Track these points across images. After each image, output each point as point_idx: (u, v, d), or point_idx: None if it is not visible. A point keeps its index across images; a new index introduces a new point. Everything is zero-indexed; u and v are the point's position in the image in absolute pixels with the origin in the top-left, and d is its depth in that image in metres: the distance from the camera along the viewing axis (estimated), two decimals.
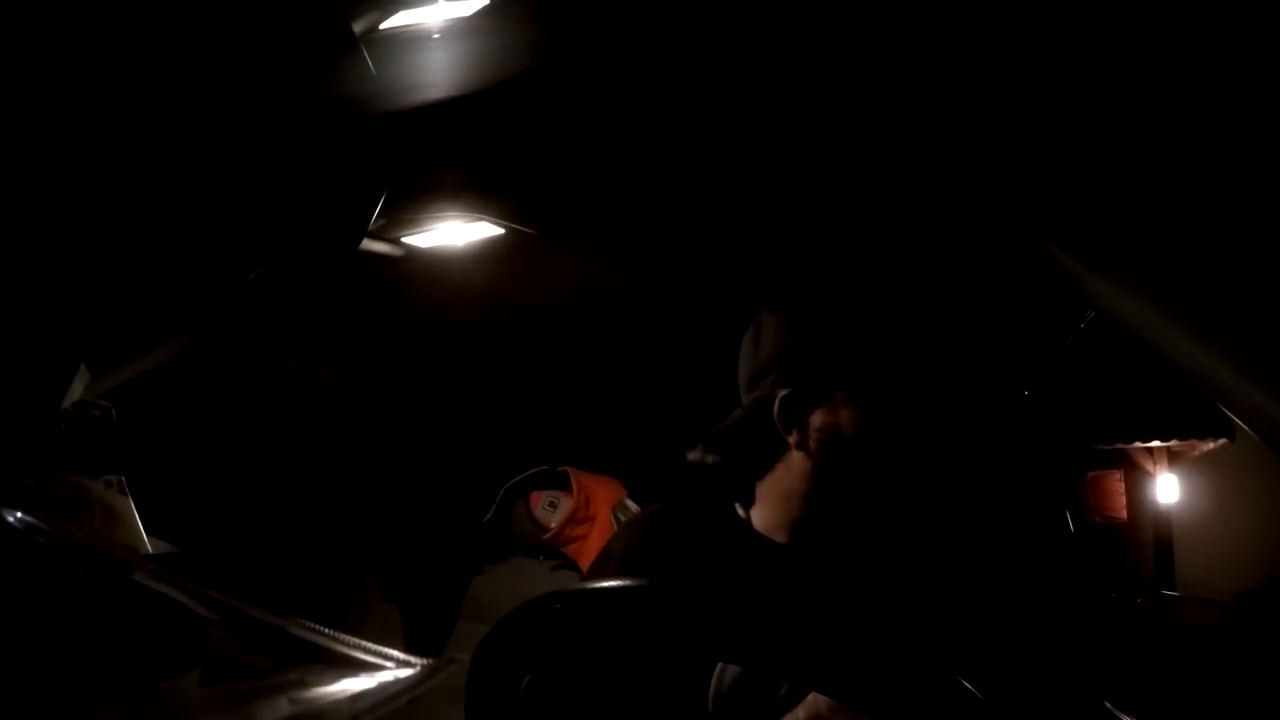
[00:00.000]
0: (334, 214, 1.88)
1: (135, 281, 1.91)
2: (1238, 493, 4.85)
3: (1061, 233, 1.48)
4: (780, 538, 1.11)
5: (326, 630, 1.51)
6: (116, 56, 1.36)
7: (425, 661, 1.61)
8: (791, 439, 1.10)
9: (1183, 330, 1.25)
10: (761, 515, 1.14)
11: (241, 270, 1.99)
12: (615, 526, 2.57)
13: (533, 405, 3.01)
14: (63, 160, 1.55)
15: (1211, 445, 4.88)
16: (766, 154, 1.83)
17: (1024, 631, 1.05)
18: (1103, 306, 1.40)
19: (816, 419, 1.09)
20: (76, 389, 1.82)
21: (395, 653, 1.62)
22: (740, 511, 1.15)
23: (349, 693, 1.44)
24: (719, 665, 0.95)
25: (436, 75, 1.57)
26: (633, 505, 2.63)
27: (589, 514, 2.67)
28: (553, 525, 2.66)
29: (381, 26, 1.38)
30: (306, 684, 1.41)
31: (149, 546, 1.70)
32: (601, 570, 1.21)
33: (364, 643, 1.56)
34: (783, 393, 1.10)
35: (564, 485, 2.73)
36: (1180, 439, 4.96)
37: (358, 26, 1.37)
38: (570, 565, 2.70)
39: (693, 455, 1.20)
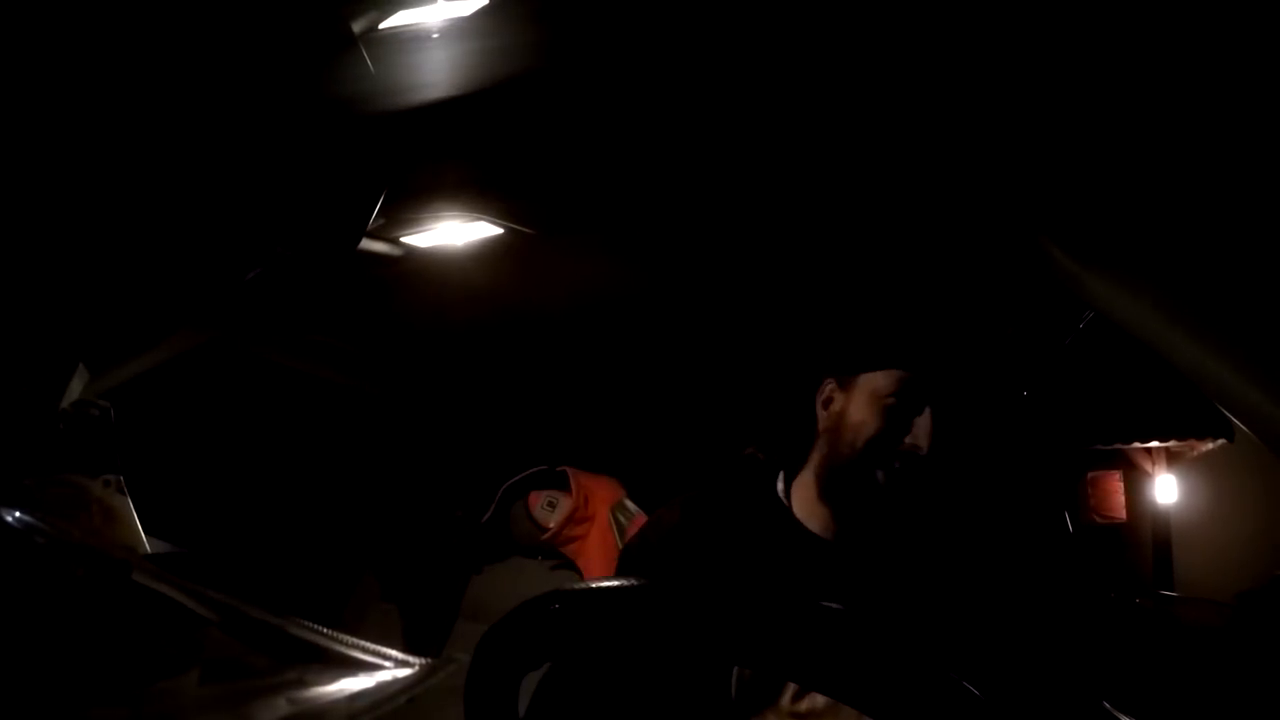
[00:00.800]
0: (333, 214, 1.88)
1: (134, 281, 1.91)
2: (1236, 493, 4.86)
3: (1060, 233, 1.48)
4: (812, 525, 1.15)
5: (325, 630, 1.51)
6: (116, 56, 1.36)
7: (424, 661, 1.61)
8: (820, 424, 1.18)
9: (1181, 331, 1.25)
10: (798, 500, 1.20)
11: (240, 270, 1.99)
12: (614, 527, 2.57)
13: (531, 405, 3.00)
14: (62, 160, 1.55)
15: (1210, 446, 4.90)
16: (766, 154, 1.83)
17: (1023, 631, 1.06)
18: (1101, 307, 1.40)
19: (825, 403, 1.17)
20: (75, 388, 1.83)
21: (394, 652, 1.62)
22: (783, 497, 1.19)
23: (347, 692, 1.44)
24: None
25: (436, 75, 1.57)
26: (631, 505, 2.63)
27: (588, 514, 2.67)
28: (551, 525, 2.65)
29: (380, 26, 1.38)
30: (305, 684, 1.41)
31: (147, 546, 1.70)
32: (638, 553, 1.24)
33: (362, 642, 1.56)
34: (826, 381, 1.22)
35: (563, 485, 2.73)
36: (1179, 440, 4.97)
37: (357, 26, 1.37)
38: (569, 565, 2.70)
39: (753, 451, 1.26)
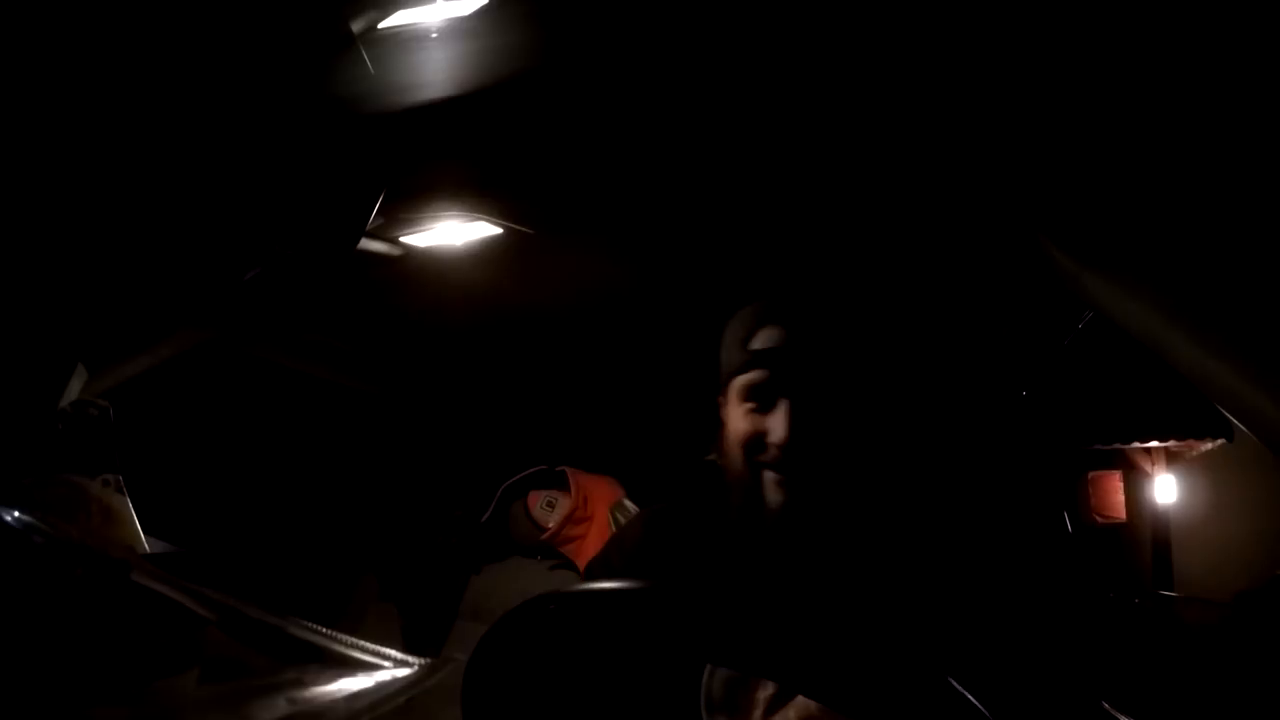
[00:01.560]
0: (332, 213, 1.87)
1: (133, 280, 1.91)
2: (1235, 493, 4.85)
3: (1059, 233, 1.48)
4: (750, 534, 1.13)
5: (324, 630, 1.51)
6: (114, 55, 1.36)
7: (423, 661, 1.61)
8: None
9: (1180, 331, 1.25)
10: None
11: (240, 269, 1.98)
12: (613, 526, 2.57)
13: (530, 405, 3.00)
14: (60, 159, 1.55)
15: (1209, 446, 4.89)
16: (765, 153, 1.83)
17: (1022, 631, 1.05)
18: (1100, 306, 1.40)
19: (721, 416, 1.20)
20: (74, 388, 1.82)
21: (393, 652, 1.62)
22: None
23: (346, 692, 1.44)
24: (708, 667, 0.96)
25: (435, 75, 1.57)
26: (631, 505, 2.63)
27: (587, 514, 2.67)
28: (550, 525, 2.65)
29: (380, 26, 1.38)
30: (304, 683, 1.42)
31: (146, 546, 1.70)
32: (601, 571, 1.23)
33: (362, 642, 1.56)
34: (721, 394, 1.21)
35: (562, 485, 2.73)
36: (1178, 439, 4.96)
37: (356, 26, 1.37)
38: (568, 565, 2.70)
39: (711, 456, 1.25)
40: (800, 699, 0.90)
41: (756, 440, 1.13)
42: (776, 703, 0.93)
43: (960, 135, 1.61)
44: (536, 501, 2.74)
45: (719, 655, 0.82)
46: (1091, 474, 5.18)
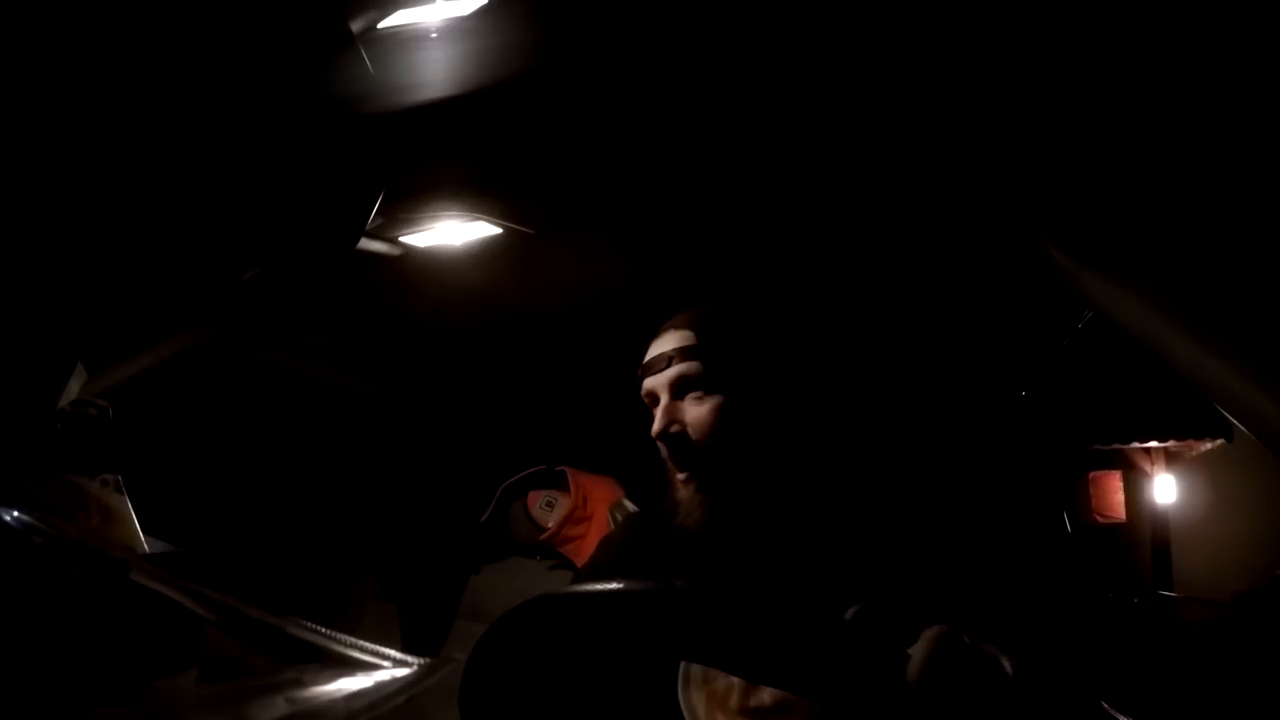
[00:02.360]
0: (331, 213, 1.87)
1: (132, 280, 1.91)
2: (1235, 493, 4.85)
3: (1058, 232, 1.48)
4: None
5: (323, 630, 1.51)
6: (114, 54, 1.36)
7: (422, 661, 1.61)
8: None
9: (1179, 330, 1.25)
10: None
11: (239, 269, 1.98)
12: (613, 526, 2.57)
13: (530, 405, 3.00)
14: (59, 158, 1.55)
15: (1209, 446, 4.89)
16: (764, 154, 1.83)
17: (1021, 631, 1.05)
18: (1099, 306, 1.40)
19: None
20: (73, 388, 1.82)
21: (392, 652, 1.62)
22: None
23: (346, 692, 1.43)
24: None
25: (435, 74, 1.57)
26: (630, 505, 2.62)
27: (586, 514, 2.67)
28: (550, 525, 2.65)
29: (379, 25, 1.38)
30: (303, 683, 1.41)
31: (146, 546, 1.70)
32: (589, 574, 1.25)
33: (361, 642, 1.56)
34: None
35: (561, 485, 2.73)
36: (1178, 440, 4.97)
37: (355, 25, 1.37)
38: (568, 565, 2.70)
39: None
40: (757, 692, 0.92)
41: (655, 440, 1.24)
42: (745, 697, 0.93)
43: (959, 135, 1.61)
44: (536, 501, 2.74)
45: (709, 658, 0.83)
46: (1092, 474, 5.18)
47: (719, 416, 1.16)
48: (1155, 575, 5.11)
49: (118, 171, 1.62)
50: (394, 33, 1.40)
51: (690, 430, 1.16)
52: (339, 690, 1.42)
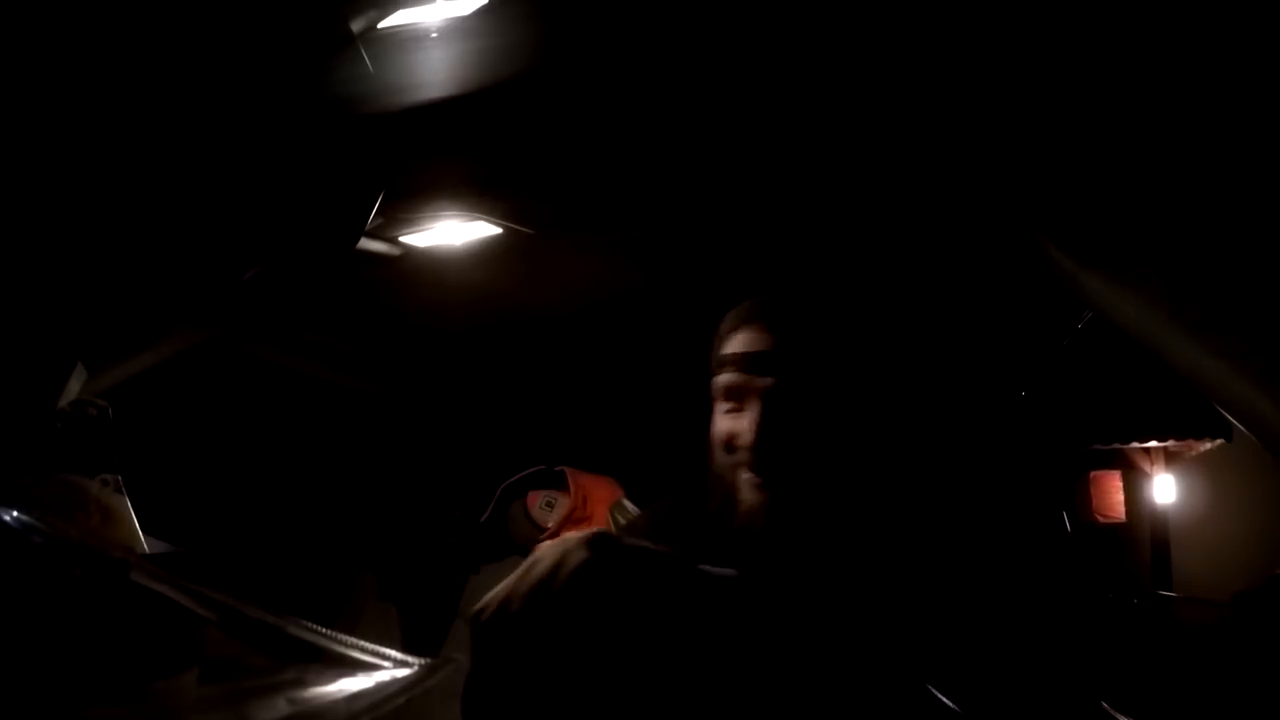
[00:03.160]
0: (331, 213, 1.87)
1: (132, 279, 1.91)
2: (1234, 493, 4.86)
3: (1058, 232, 1.48)
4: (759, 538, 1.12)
5: (324, 630, 1.50)
6: (115, 55, 1.36)
7: (423, 661, 1.61)
8: None
9: (1178, 330, 1.25)
10: None
11: (239, 269, 1.98)
12: (613, 527, 2.56)
13: (530, 405, 3.00)
14: (61, 158, 1.54)
15: (1208, 446, 4.90)
16: (765, 154, 1.83)
17: (1021, 631, 1.05)
18: (1099, 306, 1.41)
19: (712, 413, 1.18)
20: (73, 387, 1.82)
21: (393, 652, 1.62)
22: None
23: (347, 692, 1.43)
24: None
25: (435, 74, 1.57)
26: (630, 505, 2.62)
27: (586, 514, 2.66)
28: (550, 525, 2.65)
29: (379, 25, 1.38)
30: (304, 683, 1.41)
31: (146, 546, 1.70)
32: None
33: (361, 642, 1.55)
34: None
35: (561, 485, 2.72)
36: (1177, 440, 4.98)
37: (356, 25, 1.37)
38: None
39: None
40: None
41: (730, 442, 1.13)
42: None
43: (960, 136, 1.62)
44: (536, 501, 2.73)
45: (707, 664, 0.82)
46: (1092, 474, 5.19)
47: (806, 419, 1.12)
48: (1155, 575, 5.11)
49: (118, 171, 1.62)
50: (394, 33, 1.40)
51: (778, 434, 1.10)
52: (340, 690, 1.41)
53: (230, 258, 1.96)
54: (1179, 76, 1.31)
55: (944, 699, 0.72)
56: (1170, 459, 5.19)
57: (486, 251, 2.21)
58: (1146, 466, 5.24)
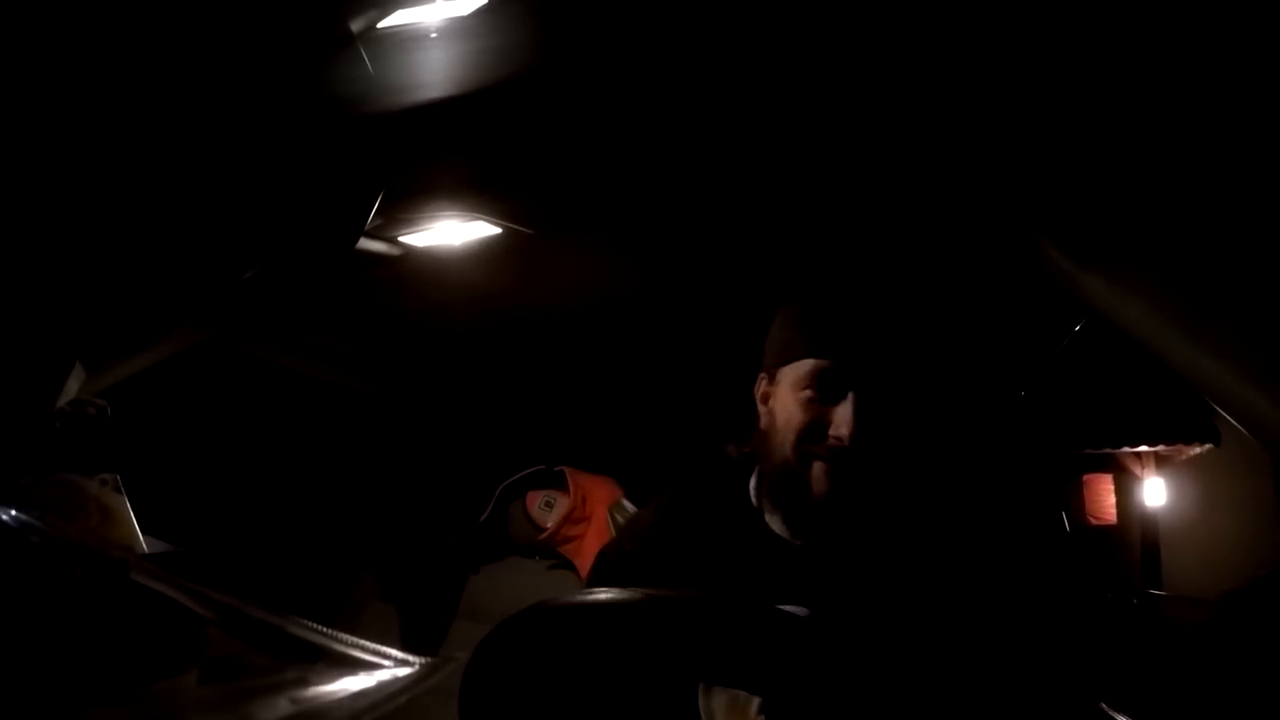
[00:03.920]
0: (331, 213, 1.87)
1: (132, 279, 1.90)
2: (1223, 496, 4.90)
3: (1057, 233, 1.48)
4: (776, 527, 1.11)
5: (325, 629, 1.50)
6: (112, 52, 1.36)
7: (423, 660, 1.61)
8: (760, 421, 1.15)
9: (1179, 331, 1.26)
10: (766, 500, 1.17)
11: (238, 269, 1.98)
12: (612, 527, 2.56)
13: (530, 405, 3.00)
14: (59, 157, 1.54)
15: (1198, 450, 4.95)
16: (764, 154, 1.83)
17: (1021, 632, 1.05)
18: (1099, 307, 1.41)
19: (762, 399, 1.15)
20: (72, 387, 1.81)
21: (393, 651, 1.62)
22: (754, 498, 1.16)
23: (348, 692, 1.43)
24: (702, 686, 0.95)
25: (434, 74, 1.56)
26: (629, 505, 2.63)
27: (585, 514, 2.67)
28: (549, 525, 2.65)
29: (379, 25, 1.38)
30: (306, 683, 1.41)
31: (145, 545, 1.69)
32: (613, 558, 1.22)
33: (362, 641, 1.55)
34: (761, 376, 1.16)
35: (560, 485, 2.73)
36: (1168, 444, 5.01)
37: (355, 25, 1.37)
38: (566, 565, 2.69)
39: (731, 448, 1.23)
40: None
41: (814, 429, 1.09)
42: None
43: (958, 135, 1.62)
44: (535, 501, 2.73)
45: (715, 671, 0.81)
46: (1086, 476, 5.22)
47: (895, 416, 1.09)
48: (1145, 576, 5.15)
49: (116, 170, 1.62)
50: (393, 32, 1.40)
51: (875, 429, 1.08)
52: (342, 690, 1.41)
53: (229, 258, 1.95)
54: (1179, 76, 1.31)
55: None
56: (1161, 463, 5.22)
57: (486, 251, 2.20)
58: (1137, 470, 5.27)
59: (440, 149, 1.82)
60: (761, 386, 1.18)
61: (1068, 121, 1.47)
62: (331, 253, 1.97)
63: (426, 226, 2.09)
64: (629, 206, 2.10)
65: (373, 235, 2.06)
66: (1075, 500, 5.19)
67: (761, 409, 1.18)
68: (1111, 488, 5.24)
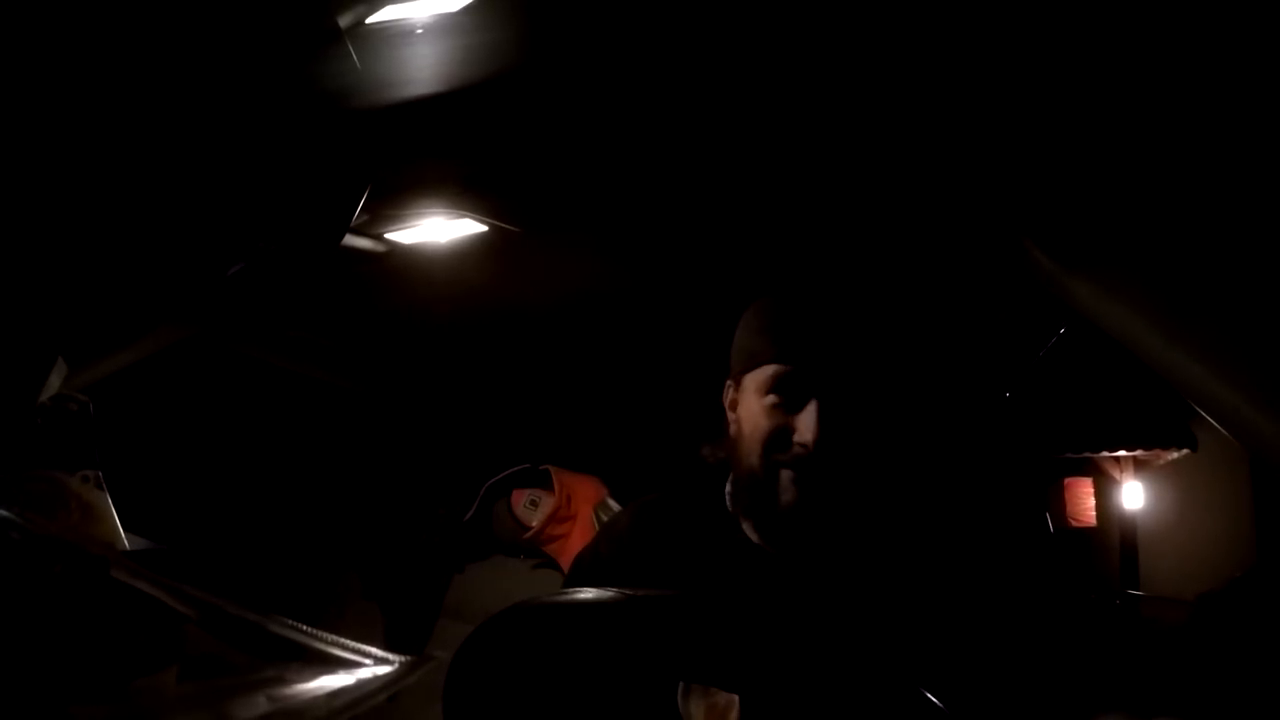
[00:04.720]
0: (317, 209, 1.86)
1: (115, 275, 1.89)
2: (1198, 499, 4.99)
3: (1043, 236, 1.49)
4: (750, 532, 1.10)
5: (305, 627, 1.50)
6: (97, 48, 1.35)
7: (404, 659, 1.60)
8: (729, 427, 1.13)
9: (1162, 335, 1.27)
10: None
11: (223, 265, 1.96)
12: (597, 526, 2.56)
13: (516, 403, 2.99)
14: (42, 154, 1.53)
15: (1175, 455, 5.02)
16: (751, 154, 1.84)
17: (1004, 635, 1.05)
18: (1083, 310, 1.42)
19: (730, 406, 1.12)
20: (54, 383, 1.80)
21: (374, 650, 1.61)
22: (730, 504, 1.14)
23: (327, 690, 1.43)
24: (682, 685, 0.94)
25: (422, 71, 1.56)
26: (614, 505, 2.62)
27: (570, 513, 2.66)
28: (534, 524, 2.64)
29: (367, 21, 1.37)
30: (285, 681, 1.40)
31: (126, 543, 1.68)
32: (590, 561, 1.21)
33: (343, 640, 1.55)
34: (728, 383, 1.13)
35: (545, 484, 2.71)
36: (1145, 449, 5.10)
37: (343, 21, 1.36)
38: (551, 564, 2.69)
39: (706, 451, 1.20)
40: None
41: (779, 437, 1.05)
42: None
43: (946, 140, 1.63)
44: (520, 500, 2.72)
45: (694, 670, 0.81)
46: (1067, 480, 5.29)
47: (863, 422, 1.03)
48: (1124, 577, 5.22)
49: (101, 167, 1.60)
50: (381, 28, 1.40)
51: (839, 436, 1.02)
52: (321, 688, 1.41)
53: (214, 253, 1.94)
54: (1164, 81, 1.33)
55: (934, 700, 0.72)
56: (1139, 467, 5.32)
57: (472, 249, 2.19)
58: (1116, 474, 5.36)
59: (427, 145, 1.81)
60: (729, 394, 1.15)
61: (1054, 127, 1.48)
62: (317, 247, 1.96)
63: (413, 223, 2.08)
64: (615, 205, 2.10)
65: (359, 231, 2.05)
66: (1056, 503, 5.26)
67: (730, 416, 1.14)
68: (1091, 491, 5.32)
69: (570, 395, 2.92)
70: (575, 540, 2.58)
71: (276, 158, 1.74)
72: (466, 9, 1.36)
